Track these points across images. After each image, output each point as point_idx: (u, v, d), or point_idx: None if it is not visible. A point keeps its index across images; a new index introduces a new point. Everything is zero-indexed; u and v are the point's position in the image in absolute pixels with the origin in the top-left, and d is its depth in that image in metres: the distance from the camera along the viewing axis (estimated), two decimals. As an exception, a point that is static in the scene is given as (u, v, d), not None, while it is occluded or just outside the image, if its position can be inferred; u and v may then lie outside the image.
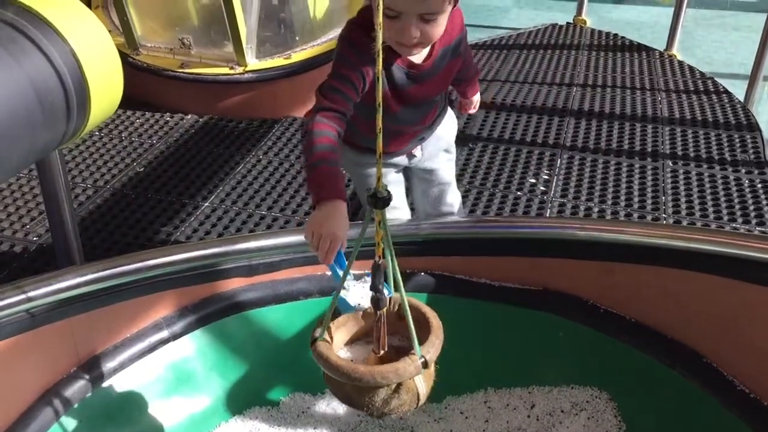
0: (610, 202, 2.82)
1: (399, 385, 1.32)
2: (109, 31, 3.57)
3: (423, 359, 1.29)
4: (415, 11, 1.50)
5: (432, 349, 1.32)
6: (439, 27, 1.57)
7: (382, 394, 1.33)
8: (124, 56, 3.51)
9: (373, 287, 1.30)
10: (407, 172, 2.03)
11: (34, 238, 2.58)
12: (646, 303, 1.82)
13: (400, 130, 1.82)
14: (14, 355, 1.53)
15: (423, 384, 1.34)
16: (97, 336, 1.69)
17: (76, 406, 1.62)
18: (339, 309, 1.37)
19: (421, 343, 1.30)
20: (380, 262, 1.30)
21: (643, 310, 1.82)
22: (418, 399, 1.35)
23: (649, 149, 3.24)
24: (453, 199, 2.10)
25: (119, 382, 1.70)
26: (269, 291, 1.90)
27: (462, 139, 3.25)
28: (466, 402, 1.91)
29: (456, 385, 1.90)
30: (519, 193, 2.87)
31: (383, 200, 1.25)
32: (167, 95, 3.45)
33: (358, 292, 1.40)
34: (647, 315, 1.82)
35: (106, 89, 1.43)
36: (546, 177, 3.00)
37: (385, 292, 1.31)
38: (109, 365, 1.69)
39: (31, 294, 1.52)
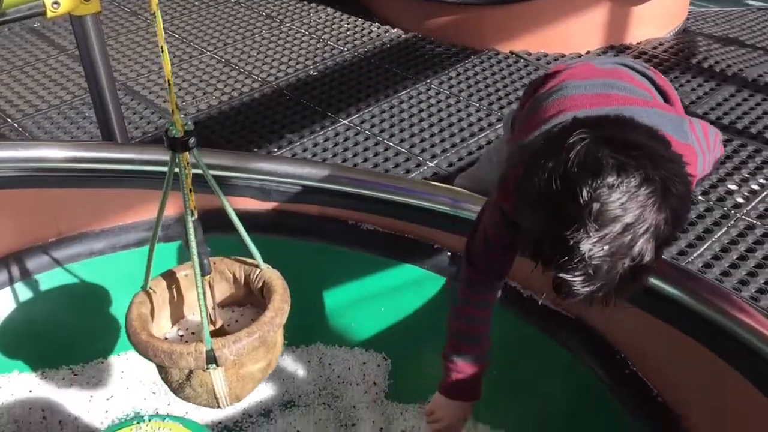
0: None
1: (191, 373, 1.10)
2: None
3: (211, 352, 1.04)
4: None
5: (234, 346, 1.07)
6: None
7: (174, 375, 1.12)
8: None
9: (188, 247, 1.09)
10: None
11: (194, 111, 2.61)
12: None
13: None
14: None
15: (223, 384, 1.09)
16: (81, 216, 1.67)
17: (38, 275, 1.64)
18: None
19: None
20: (193, 219, 1.09)
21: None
22: (216, 399, 1.11)
23: None
24: None
25: (90, 267, 1.68)
26: (277, 220, 1.73)
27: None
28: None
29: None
30: (701, 198, 2.24)
31: (179, 142, 1.01)
32: (384, 6, 3.33)
33: None
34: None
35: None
36: (757, 188, 2.29)
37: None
38: (88, 247, 1.68)
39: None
